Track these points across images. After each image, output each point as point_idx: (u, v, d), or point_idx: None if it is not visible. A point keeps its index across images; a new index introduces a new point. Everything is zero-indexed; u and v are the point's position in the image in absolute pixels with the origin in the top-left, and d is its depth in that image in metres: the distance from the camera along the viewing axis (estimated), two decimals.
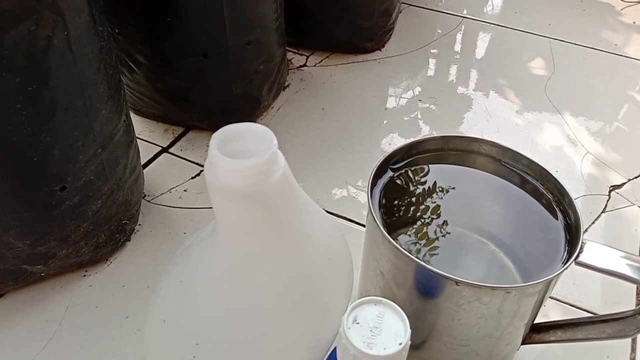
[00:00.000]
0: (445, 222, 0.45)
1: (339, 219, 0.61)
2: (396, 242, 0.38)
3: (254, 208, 0.31)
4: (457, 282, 0.36)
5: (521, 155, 0.46)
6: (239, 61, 0.65)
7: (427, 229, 0.45)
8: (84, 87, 0.44)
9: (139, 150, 0.57)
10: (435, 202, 0.46)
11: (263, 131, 0.31)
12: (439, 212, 0.46)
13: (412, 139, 0.46)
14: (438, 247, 0.44)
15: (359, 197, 0.64)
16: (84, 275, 0.53)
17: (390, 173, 0.46)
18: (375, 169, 0.44)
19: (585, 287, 0.55)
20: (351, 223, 0.61)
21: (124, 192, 0.52)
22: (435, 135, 0.47)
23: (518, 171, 0.46)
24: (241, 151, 0.31)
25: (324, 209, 0.62)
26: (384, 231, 0.38)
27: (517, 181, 0.46)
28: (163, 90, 0.66)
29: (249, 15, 0.63)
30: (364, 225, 0.44)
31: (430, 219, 0.45)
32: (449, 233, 0.45)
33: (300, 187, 0.34)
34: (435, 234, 0.45)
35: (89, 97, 0.44)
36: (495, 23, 0.99)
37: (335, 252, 0.37)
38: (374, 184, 0.44)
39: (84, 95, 0.44)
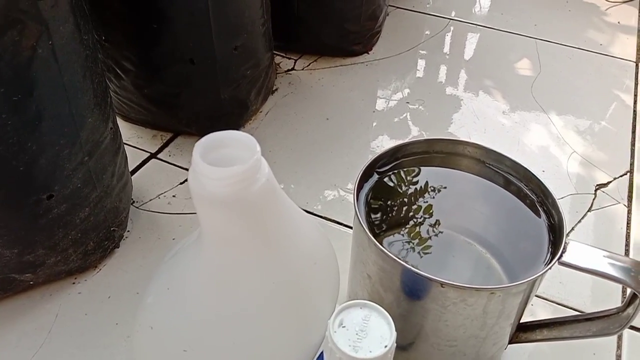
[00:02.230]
0: (432, 224, 0.46)
1: (328, 222, 0.62)
2: (382, 245, 0.38)
3: (238, 215, 0.31)
4: (442, 284, 0.37)
5: (505, 156, 0.46)
6: (226, 66, 0.65)
7: (413, 231, 0.45)
8: (69, 96, 0.44)
9: (126, 157, 0.57)
10: (421, 204, 0.47)
11: (246, 139, 0.31)
12: (425, 214, 0.46)
13: (398, 142, 0.47)
14: (425, 249, 0.44)
15: (348, 200, 0.64)
16: (73, 283, 0.53)
17: (376, 176, 0.47)
18: (361, 172, 0.44)
19: (572, 285, 0.56)
20: (340, 226, 0.61)
21: (112, 199, 0.52)
22: (420, 138, 0.48)
23: (502, 172, 0.47)
24: (225, 159, 0.31)
25: (313, 212, 0.62)
26: (370, 235, 0.39)
27: (502, 182, 0.47)
28: (151, 96, 0.67)
29: (236, 21, 0.63)
30: (352, 228, 0.44)
31: (417, 221, 0.46)
32: (436, 235, 0.45)
33: (284, 193, 0.34)
34: (422, 236, 0.45)
35: (74, 105, 0.45)
36: (483, 25, 1.00)
37: (321, 257, 0.37)
38: (360, 187, 0.45)
39: (70, 103, 0.44)
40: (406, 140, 0.47)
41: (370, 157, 0.45)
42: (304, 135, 0.73)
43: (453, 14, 1.02)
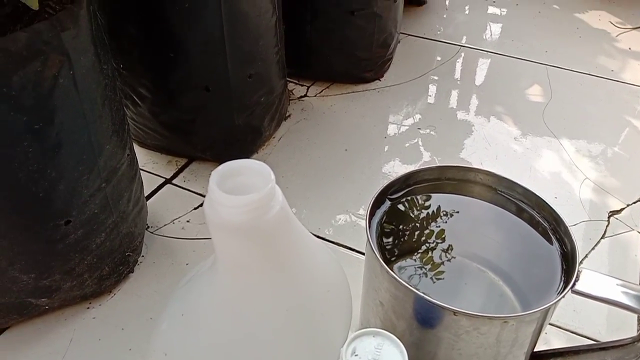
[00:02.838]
0: (444, 251, 0.46)
1: (341, 247, 0.62)
2: (394, 273, 0.38)
3: (253, 242, 0.32)
4: (454, 312, 0.37)
5: (516, 184, 0.46)
6: (240, 94, 0.66)
7: (426, 258, 0.45)
8: (88, 124, 0.45)
9: (142, 183, 0.58)
10: (434, 231, 0.47)
11: (261, 167, 0.32)
12: (438, 241, 0.46)
13: (409, 169, 0.47)
14: (437, 275, 0.44)
15: (360, 225, 0.65)
16: (88, 308, 0.54)
17: (388, 203, 0.47)
18: (373, 199, 0.45)
19: (586, 313, 0.55)
20: (352, 252, 0.62)
21: (128, 224, 0.53)
22: (432, 165, 0.48)
23: (514, 200, 0.47)
24: (240, 187, 0.32)
25: (325, 238, 0.63)
26: (382, 262, 0.39)
27: (514, 209, 0.47)
28: (166, 122, 0.68)
29: (250, 50, 0.64)
30: (364, 254, 0.44)
31: (429, 248, 0.46)
32: (449, 262, 0.45)
33: (297, 220, 0.35)
34: (435, 263, 0.45)
35: (93, 133, 0.46)
36: (493, 51, 1.01)
37: (333, 284, 0.37)
38: (372, 214, 0.45)
39: (89, 131, 0.45)
40: (418, 167, 0.48)
41: (382, 184, 0.46)
42: (316, 161, 0.74)
43: (464, 40, 1.04)
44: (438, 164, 0.48)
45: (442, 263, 0.45)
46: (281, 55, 0.73)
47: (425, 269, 0.44)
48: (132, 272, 0.57)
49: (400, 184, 0.48)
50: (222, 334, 0.35)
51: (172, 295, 0.39)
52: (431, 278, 0.44)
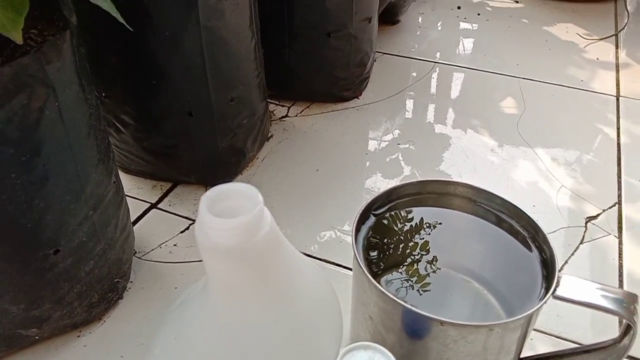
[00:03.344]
0: (429, 263, 0.47)
1: (328, 264, 0.63)
2: (382, 287, 0.39)
3: (244, 264, 0.32)
4: (441, 323, 0.38)
5: (495, 195, 0.48)
6: (223, 117, 0.67)
7: (411, 270, 0.46)
8: (75, 154, 0.46)
9: (128, 209, 0.58)
10: (418, 244, 0.48)
11: (249, 190, 0.33)
12: (422, 253, 0.48)
13: (391, 184, 0.49)
14: (423, 287, 0.45)
15: (346, 241, 0.66)
16: (78, 336, 0.53)
17: (373, 218, 0.48)
18: (358, 216, 0.46)
19: (570, 318, 0.57)
20: (340, 268, 0.62)
21: (116, 251, 0.53)
22: (414, 180, 0.49)
23: (493, 210, 0.48)
24: (229, 210, 0.32)
25: (311, 255, 0.63)
26: (370, 277, 0.40)
27: (494, 220, 0.48)
28: (150, 148, 0.69)
29: (231, 74, 0.66)
30: (351, 269, 0.45)
31: (414, 260, 0.47)
32: (434, 273, 0.47)
33: (286, 240, 0.36)
34: (420, 275, 0.46)
35: (80, 162, 0.46)
36: (467, 66, 1.03)
37: (323, 301, 0.38)
38: (357, 230, 0.46)
39: (75, 161, 0.46)
40: (399, 181, 0.49)
41: (366, 200, 0.47)
42: (299, 180, 0.75)
43: (438, 57, 1.06)
44: (419, 179, 0.50)
45: (428, 275, 0.46)
46: (261, 78, 0.74)
47: (412, 281, 0.46)
48: (122, 299, 0.57)
49: (384, 200, 0.49)
50: (216, 356, 0.35)
51: (165, 319, 0.39)
52: (417, 290, 0.45)
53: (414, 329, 0.40)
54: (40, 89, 0.41)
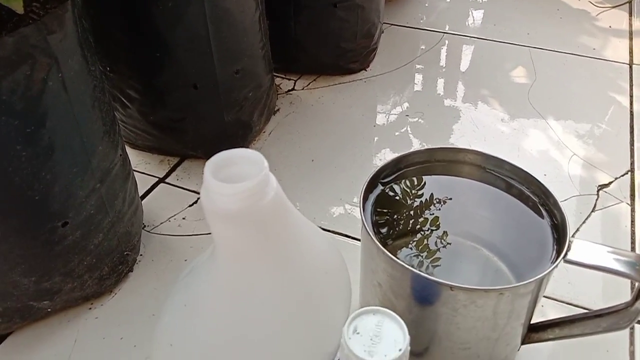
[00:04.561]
0: (438, 231, 0.47)
1: (336, 235, 0.63)
2: (390, 253, 0.39)
3: (250, 229, 0.32)
4: (451, 287, 0.38)
5: (504, 161, 0.47)
6: (228, 90, 0.67)
7: (420, 238, 0.46)
8: (80, 126, 0.45)
9: (136, 183, 0.58)
10: (426, 212, 0.48)
11: (254, 155, 0.33)
12: (431, 221, 0.47)
13: (400, 153, 0.48)
14: (433, 255, 0.45)
15: (354, 213, 0.66)
16: (90, 308, 0.54)
17: (380, 187, 0.48)
18: (366, 184, 0.46)
19: (581, 285, 0.56)
20: (349, 239, 0.62)
21: (124, 224, 0.53)
22: (421, 148, 0.49)
23: (503, 177, 0.48)
24: (234, 176, 0.32)
25: (320, 227, 0.63)
26: (378, 244, 0.40)
27: (503, 186, 0.48)
28: (156, 122, 0.68)
29: (236, 46, 0.65)
30: (360, 240, 0.45)
31: (423, 228, 0.47)
32: (443, 241, 0.46)
33: (293, 206, 0.35)
34: (429, 243, 0.46)
35: (85, 134, 0.46)
36: (476, 36, 1.01)
37: (331, 266, 0.38)
38: (365, 198, 0.46)
39: (81, 133, 0.46)
40: (407, 151, 0.49)
41: (374, 169, 0.46)
42: (307, 153, 0.75)
43: (447, 27, 1.05)
44: (427, 147, 0.49)
45: (437, 243, 0.46)
46: (267, 51, 0.73)
47: (420, 249, 0.45)
48: (132, 271, 0.57)
49: (391, 168, 0.49)
50: (225, 321, 0.35)
51: (174, 288, 0.39)
52: (426, 257, 0.45)
53: (423, 295, 0.40)
54: (43, 60, 0.41)
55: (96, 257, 0.50)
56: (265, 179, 0.32)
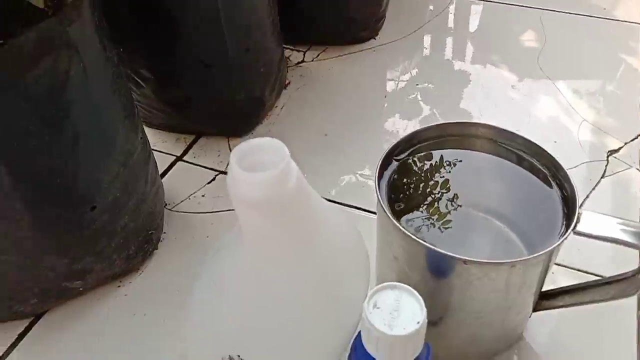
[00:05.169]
0: (450, 201, 0.48)
1: (351, 208, 0.64)
2: (405, 228, 0.41)
3: (274, 214, 0.34)
4: (464, 261, 0.39)
5: (516, 135, 0.48)
6: (239, 67, 0.67)
7: (434, 211, 0.48)
8: (102, 112, 0.47)
9: (156, 163, 0.60)
10: (438, 183, 0.49)
11: (276, 144, 0.34)
12: (443, 191, 0.49)
13: (410, 124, 0.49)
14: (445, 226, 0.47)
15: (368, 185, 0.67)
16: (119, 286, 0.57)
17: (395, 163, 0.49)
18: (380, 161, 0.47)
19: (591, 252, 0.58)
20: (363, 212, 0.64)
21: (148, 204, 0.55)
22: (434, 124, 0.50)
23: (514, 150, 0.49)
24: (258, 163, 0.34)
25: (334, 200, 0.65)
26: (394, 220, 0.41)
27: (515, 159, 0.49)
28: (170, 101, 0.69)
29: (246, 23, 0.65)
30: (375, 213, 0.47)
31: (435, 200, 0.48)
32: (455, 212, 0.48)
33: (312, 189, 0.37)
34: (442, 214, 0.47)
35: (107, 120, 0.48)
36: (485, 0, 1.00)
37: (350, 245, 0.40)
38: (380, 175, 0.47)
39: (103, 119, 0.47)
40: (419, 122, 0.50)
41: (387, 146, 0.48)
42: (319, 125, 0.76)
43: None
44: (439, 122, 0.50)
45: (449, 213, 0.47)
46: (276, 25, 0.74)
47: (434, 220, 0.47)
48: (157, 249, 0.59)
49: (405, 144, 0.50)
50: (252, 299, 0.38)
51: (203, 266, 0.41)
52: (440, 229, 0.46)
53: (437, 268, 0.42)
54: (64, 51, 0.42)
55: (123, 237, 0.53)
56: (288, 167, 0.33)
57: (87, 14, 0.44)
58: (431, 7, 1.00)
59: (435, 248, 0.40)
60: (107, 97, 0.48)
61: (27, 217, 0.45)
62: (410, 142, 0.50)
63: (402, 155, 0.50)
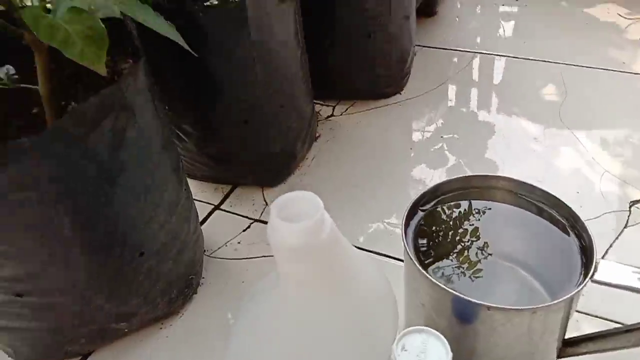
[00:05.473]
0: (476, 251, 0.51)
1: (379, 255, 0.67)
2: (432, 276, 0.44)
3: (310, 261, 0.37)
4: (488, 308, 0.42)
5: (536, 187, 0.51)
6: (274, 123, 0.73)
7: (460, 259, 0.50)
8: (153, 167, 0.52)
9: (197, 212, 0.64)
10: (465, 233, 0.52)
11: (310, 197, 0.38)
12: (471, 240, 0.51)
13: (436, 174, 0.52)
14: (472, 275, 0.49)
15: (395, 233, 0.70)
16: (160, 328, 0.60)
17: (420, 213, 0.52)
18: (407, 212, 0.50)
19: (612, 300, 0.59)
20: (391, 259, 0.67)
21: (189, 251, 0.60)
22: (457, 176, 0.53)
23: (534, 201, 0.52)
24: (295, 215, 0.37)
25: (362, 247, 0.68)
26: (420, 268, 0.44)
27: (535, 210, 0.52)
28: (211, 154, 0.75)
29: (280, 83, 0.71)
30: (402, 260, 0.50)
31: (462, 249, 0.51)
32: (481, 261, 0.50)
33: (345, 238, 0.40)
34: (469, 263, 0.50)
35: (158, 174, 0.53)
36: (506, 54, 1.05)
37: (380, 290, 0.43)
38: (407, 225, 0.50)
39: (154, 174, 0.52)
40: (444, 172, 0.53)
41: (414, 196, 0.51)
42: (348, 176, 0.80)
43: (477, 46, 1.08)
44: (463, 175, 0.53)
45: (476, 262, 0.50)
46: (307, 82, 0.79)
47: (460, 269, 0.49)
48: (196, 293, 0.63)
49: (430, 195, 0.53)
50: (288, 340, 0.40)
51: (240, 310, 0.45)
52: (466, 277, 0.49)
53: (462, 314, 0.44)
54: (122, 113, 0.47)
55: (167, 282, 0.57)
56: (321, 218, 0.37)
57: (142, 79, 0.50)
58: (455, 59, 1.04)
59: (460, 295, 0.43)
60: (158, 154, 0.53)
61: (83, 261, 0.49)
62: (435, 194, 0.53)
63: (428, 206, 0.53)
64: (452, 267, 0.49)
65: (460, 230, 0.51)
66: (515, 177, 0.52)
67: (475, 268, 0.49)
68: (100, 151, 0.46)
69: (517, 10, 1.20)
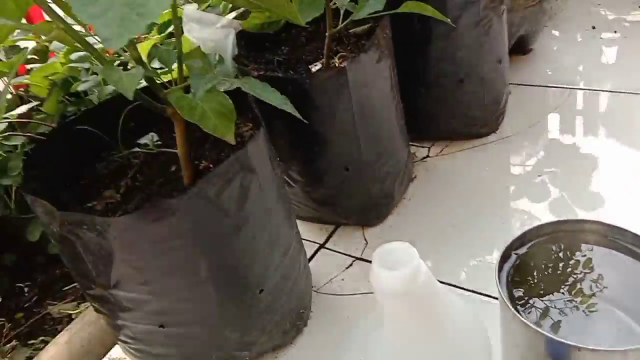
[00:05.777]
0: (572, 294, 0.53)
1: (478, 295, 0.70)
2: (525, 318, 0.47)
3: (409, 303, 0.43)
4: (579, 348, 0.44)
5: (626, 231, 0.53)
6: (374, 170, 0.79)
7: (555, 301, 0.53)
8: (270, 216, 0.60)
9: (305, 251, 0.72)
10: (557, 278, 0.54)
11: (407, 247, 0.44)
12: (563, 285, 0.54)
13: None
14: (570, 318, 0.51)
15: (491, 272, 0.72)
16: (276, 357, 0.68)
17: (514, 256, 0.56)
18: (500, 256, 0.54)
19: None
20: (489, 298, 0.70)
21: (300, 287, 0.67)
22: (547, 221, 0.56)
23: (626, 244, 0.53)
24: (394, 263, 0.43)
25: (459, 286, 0.71)
26: (514, 310, 0.48)
27: (627, 252, 0.53)
28: (316, 198, 0.83)
29: (378, 133, 0.78)
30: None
31: (556, 292, 0.53)
32: (578, 303, 0.52)
33: (438, 283, 0.46)
34: (564, 306, 0.52)
35: (274, 222, 0.61)
36: (606, 89, 1.03)
37: (473, 331, 0.47)
38: (500, 268, 0.54)
39: (271, 221, 0.60)
40: (535, 224, 0.56)
41: (506, 242, 0.55)
42: (444, 216, 0.84)
43: (574, 81, 1.08)
44: (552, 220, 0.56)
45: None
46: (403, 128, 0.85)
47: (556, 311, 0.52)
48: (306, 326, 0.70)
49: (522, 240, 0.56)
50: None
51: (348, 343, 0.51)
52: (562, 320, 0.51)
53: (555, 355, 0.47)
54: (248, 174, 0.56)
55: (281, 315, 0.64)
56: (417, 265, 0.42)
57: (263, 144, 0.59)
58: (551, 102, 1.04)
59: (552, 335, 0.46)
60: (274, 204, 0.61)
61: (214, 298, 0.58)
62: (527, 238, 0.56)
63: (520, 250, 0.56)
64: (548, 308, 0.52)
65: (550, 276, 0.54)
66: (605, 221, 0.54)
67: (569, 309, 0.51)
68: (229, 206, 0.55)
69: (616, 42, 1.17)
